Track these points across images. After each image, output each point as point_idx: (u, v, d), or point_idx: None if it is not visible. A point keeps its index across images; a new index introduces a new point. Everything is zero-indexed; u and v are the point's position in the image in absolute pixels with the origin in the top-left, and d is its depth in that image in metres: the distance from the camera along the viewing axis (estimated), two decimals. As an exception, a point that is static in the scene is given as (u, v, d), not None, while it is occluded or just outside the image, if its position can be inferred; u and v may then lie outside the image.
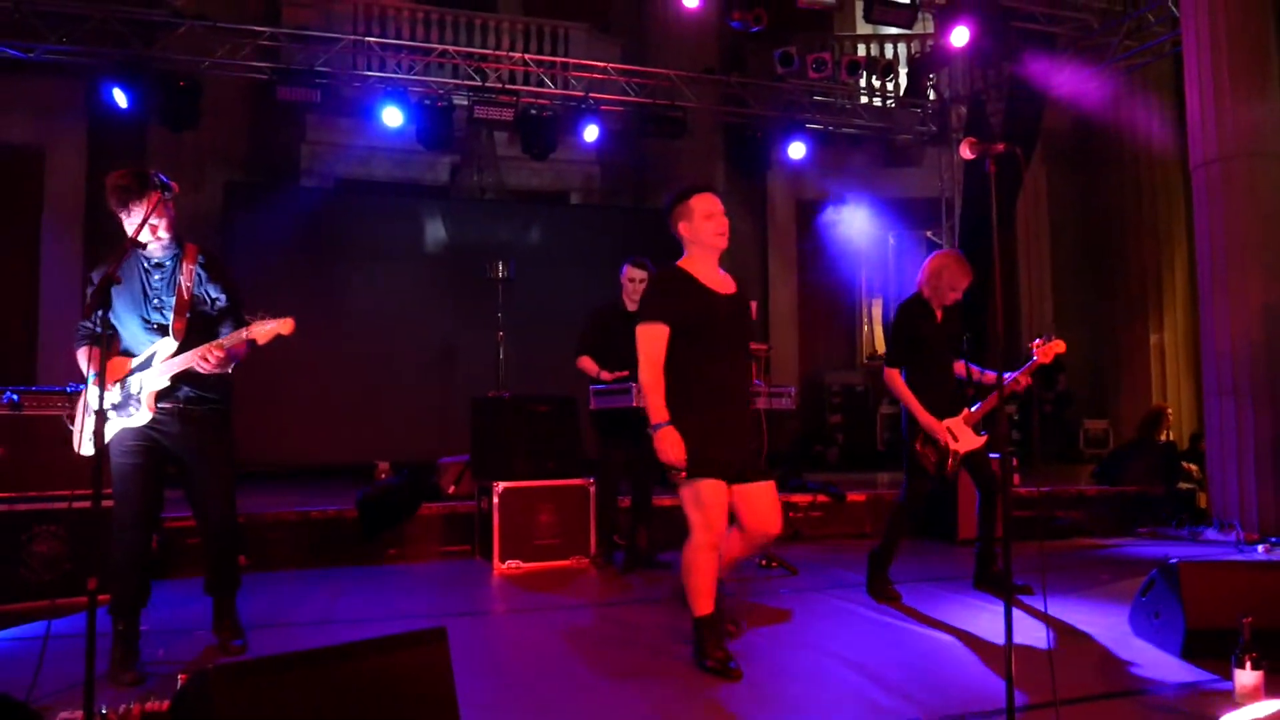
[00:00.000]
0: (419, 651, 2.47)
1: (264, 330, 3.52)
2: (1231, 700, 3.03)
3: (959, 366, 5.05)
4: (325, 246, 10.31)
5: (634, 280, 5.86)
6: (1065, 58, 10.27)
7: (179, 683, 2.56)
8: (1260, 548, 6.46)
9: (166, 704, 2.62)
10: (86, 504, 2.72)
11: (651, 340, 3.59)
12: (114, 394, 3.59)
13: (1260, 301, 7.06)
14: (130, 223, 3.49)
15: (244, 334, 3.53)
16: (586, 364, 5.83)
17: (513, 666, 3.79)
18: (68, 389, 4.74)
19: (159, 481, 3.70)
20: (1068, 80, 10.29)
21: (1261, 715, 2.65)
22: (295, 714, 2.25)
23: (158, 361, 3.58)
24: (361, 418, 9.79)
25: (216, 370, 3.56)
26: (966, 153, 2.86)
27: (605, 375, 5.71)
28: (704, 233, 3.67)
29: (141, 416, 3.58)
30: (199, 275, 3.69)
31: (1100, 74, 10.30)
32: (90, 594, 2.57)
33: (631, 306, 5.94)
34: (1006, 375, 4.73)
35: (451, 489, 6.96)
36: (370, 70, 10.43)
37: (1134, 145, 11.46)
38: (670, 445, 3.46)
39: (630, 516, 5.94)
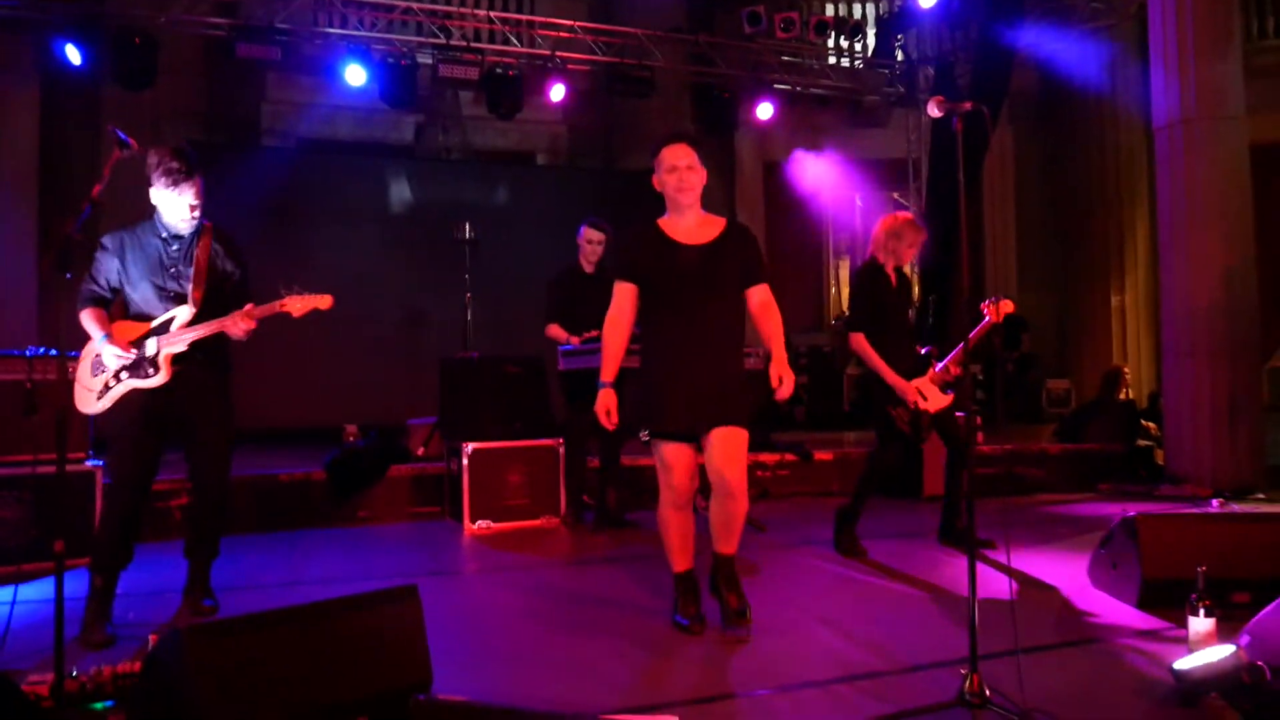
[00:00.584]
0: (391, 609, 2.48)
1: (300, 304, 3.77)
2: (1185, 646, 3.12)
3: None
4: (288, 207, 10.13)
5: (591, 242, 5.88)
6: (1033, 19, 10.28)
7: (150, 644, 2.56)
8: (1215, 502, 6.63)
9: (138, 665, 2.61)
10: (50, 469, 2.70)
11: (615, 298, 3.63)
12: (112, 355, 3.66)
13: (1220, 264, 7.18)
14: (169, 200, 3.65)
15: (279, 306, 3.74)
16: (555, 331, 5.84)
17: (485, 623, 3.82)
18: (27, 353, 4.68)
19: (160, 444, 3.78)
20: (1035, 41, 10.32)
21: (1213, 659, 2.73)
22: (268, 672, 2.26)
23: (175, 327, 3.69)
24: (328, 380, 9.70)
25: (242, 337, 3.73)
26: (934, 110, 2.85)
27: (575, 340, 5.71)
28: (666, 186, 3.59)
29: (159, 378, 3.68)
30: (217, 250, 3.85)
31: (1067, 35, 10.32)
32: (57, 556, 2.55)
33: (588, 268, 5.95)
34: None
35: (421, 450, 6.95)
36: (332, 27, 10.20)
37: (1100, 107, 11.54)
38: (601, 407, 3.54)
39: (599, 476, 5.97)
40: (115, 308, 3.78)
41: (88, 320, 3.70)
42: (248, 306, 3.71)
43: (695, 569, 3.69)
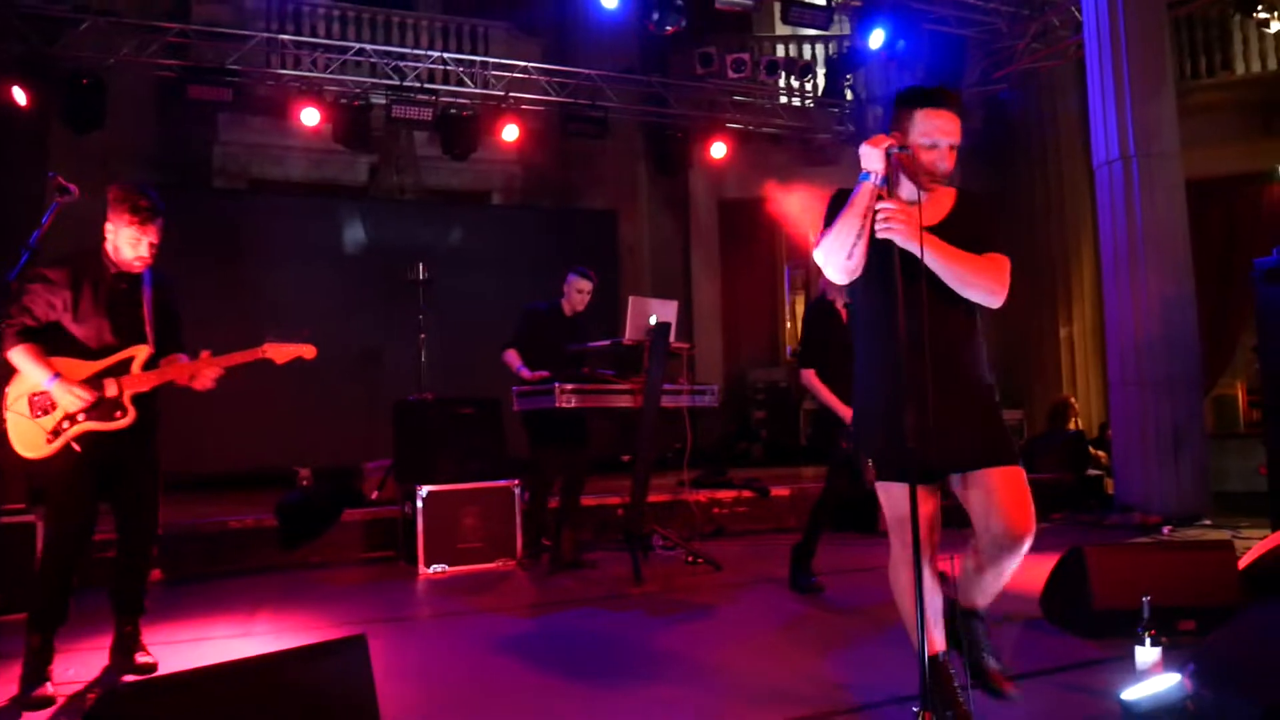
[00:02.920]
0: (338, 660, 2.43)
1: (282, 351, 3.74)
2: (1133, 675, 3.16)
3: None
4: (240, 249, 10.05)
5: (581, 291, 6.00)
6: (976, 59, 10.57)
7: (88, 703, 2.49)
8: (1164, 530, 6.75)
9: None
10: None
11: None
12: (72, 396, 3.46)
13: (1158, 295, 7.36)
14: (130, 237, 3.57)
15: (260, 352, 3.69)
16: (511, 357, 5.86)
17: (438, 671, 3.76)
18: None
19: (98, 491, 3.63)
20: (979, 81, 10.59)
21: (1159, 689, 2.77)
22: (211, 729, 2.20)
23: (136, 366, 3.59)
24: (282, 424, 9.57)
25: (210, 387, 3.68)
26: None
27: (525, 373, 5.73)
28: (918, 159, 2.72)
29: (126, 419, 3.57)
30: (164, 290, 3.78)
31: (1010, 76, 10.61)
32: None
33: (569, 311, 6.02)
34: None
35: (375, 494, 6.86)
36: (284, 69, 10.22)
37: (1042, 144, 11.84)
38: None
39: (555, 517, 5.95)
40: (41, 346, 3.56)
41: (23, 357, 3.45)
42: (204, 355, 3.66)
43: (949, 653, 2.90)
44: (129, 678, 3.60)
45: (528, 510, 6.04)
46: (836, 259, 2.71)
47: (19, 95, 8.80)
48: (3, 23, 8.81)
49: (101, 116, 9.24)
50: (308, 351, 3.80)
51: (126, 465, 3.67)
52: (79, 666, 3.75)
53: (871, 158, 2.65)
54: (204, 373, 3.65)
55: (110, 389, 3.54)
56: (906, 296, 2.52)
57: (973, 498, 2.78)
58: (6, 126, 9.54)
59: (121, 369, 3.59)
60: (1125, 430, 7.52)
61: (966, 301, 2.74)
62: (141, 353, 3.62)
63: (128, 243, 3.58)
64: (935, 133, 2.69)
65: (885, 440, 2.76)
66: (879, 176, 2.65)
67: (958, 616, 2.97)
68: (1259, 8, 9.15)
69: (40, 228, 3.28)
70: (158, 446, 3.80)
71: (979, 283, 2.70)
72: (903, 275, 2.55)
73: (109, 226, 3.59)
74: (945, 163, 2.72)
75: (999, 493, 2.74)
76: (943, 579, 2.94)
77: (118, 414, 3.55)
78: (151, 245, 3.63)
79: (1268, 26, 9.40)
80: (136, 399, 3.60)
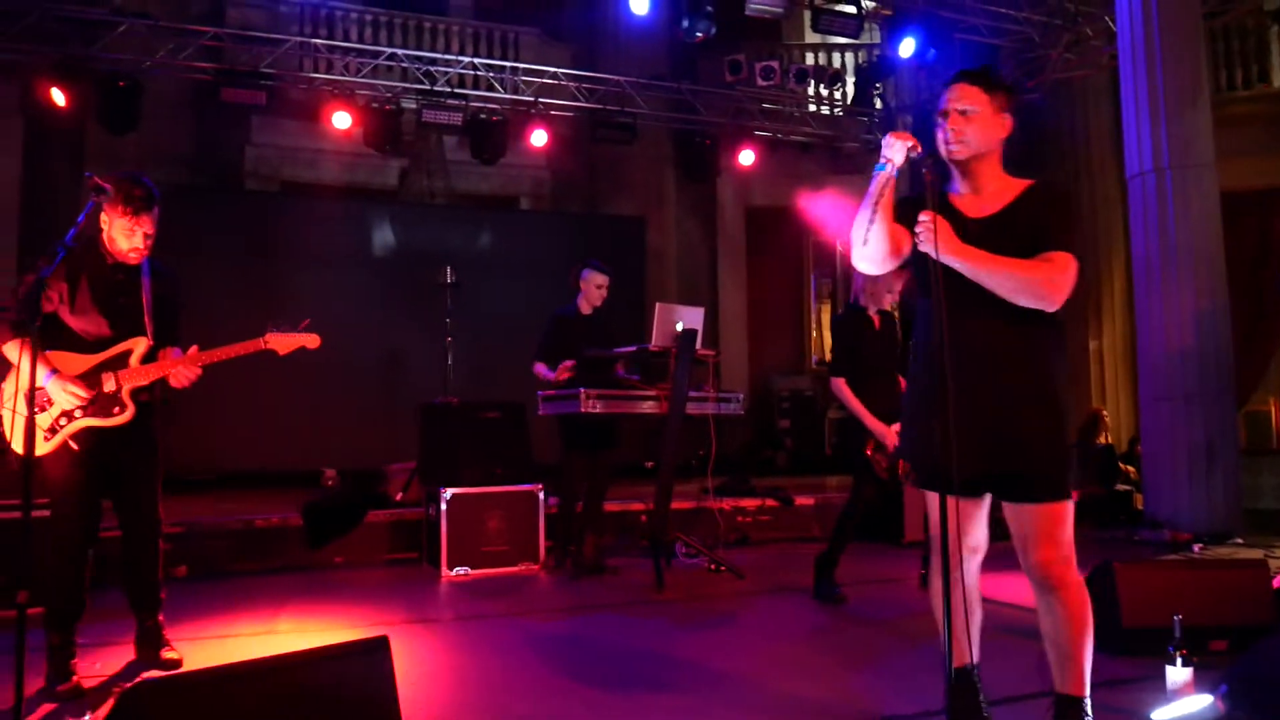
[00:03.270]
0: (360, 661, 2.44)
1: (285, 341, 3.63)
2: (1164, 695, 3.11)
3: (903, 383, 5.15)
4: (270, 250, 10.15)
5: (599, 286, 5.96)
6: (1008, 69, 10.47)
7: (113, 697, 2.50)
8: (1195, 547, 6.64)
9: None
10: (15, 514, 2.65)
11: None
12: (67, 394, 3.42)
13: (1192, 308, 7.26)
14: (124, 228, 3.52)
15: (261, 343, 3.61)
16: (541, 370, 5.88)
17: (459, 674, 3.76)
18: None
19: (102, 489, 3.61)
20: (1011, 91, 10.49)
21: (1191, 710, 2.72)
22: (233, 727, 2.21)
23: (134, 360, 3.55)
24: (308, 424, 9.65)
25: (185, 385, 3.59)
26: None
27: (551, 375, 5.76)
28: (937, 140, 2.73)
29: (125, 416, 3.53)
30: (163, 283, 3.74)
31: (1042, 85, 10.52)
32: (19, 607, 2.50)
33: (587, 309, 6.01)
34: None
35: (399, 495, 6.89)
36: (317, 73, 10.30)
37: (1074, 154, 11.72)
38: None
39: (579, 521, 5.95)
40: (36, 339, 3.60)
41: (12, 352, 3.41)
42: (193, 350, 3.60)
43: (975, 666, 2.80)
44: (153, 673, 3.62)
45: (559, 513, 6.05)
46: (856, 249, 2.70)
47: (58, 96, 8.93)
48: (41, 26, 8.95)
49: (137, 118, 9.37)
50: (311, 341, 3.68)
51: (126, 461, 3.64)
52: (105, 660, 3.79)
53: (892, 148, 2.63)
54: (180, 370, 3.56)
55: (108, 383, 3.51)
56: (948, 305, 2.45)
57: (1008, 518, 2.67)
58: (45, 127, 9.70)
59: (119, 362, 3.55)
60: (1156, 445, 7.42)
61: (1014, 311, 2.54)
62: (140, 345, 3.58)
63: (122, 233, 3.54)
64: (945, 102, 2.69)
65: (914, 447, 2.72)
66: (894, 168, 2.63)
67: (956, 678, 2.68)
68: (1298, 19, 9.02)
69: (76, 226, 3.30)
70: (158, 440, 3.75)
71: (1025, 288, 2.53)
72: (944, 284, 2.47)
73: (104, 218, 3.57)
74: (957, 131, 2.66)
75: (1018, 524, 2.63)
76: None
77: (116, 410, 3.51)
78: (146, 236, 3.58)
79: (1306, 38, 9.27)
80: (135, 393, 3.57)
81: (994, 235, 2.60)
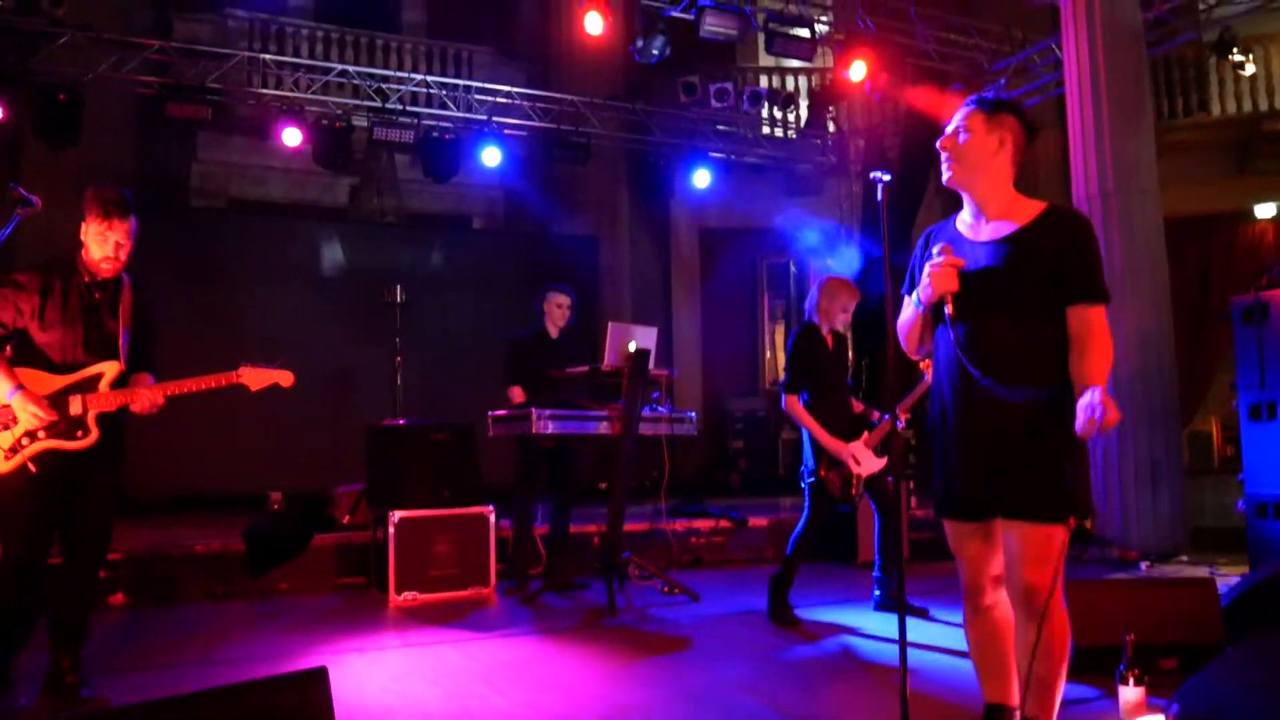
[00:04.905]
0: (297, 694, 2.34)
1: (257, 377, 3.59)
2: (1116, 716, 3.10)
3: (855, 405, 5.17)
4: (216, 269, 9.92)
5: (561, 306, 6.02)
6: (958, 94, 10.64)
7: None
8: (1143, 565, 6.72)
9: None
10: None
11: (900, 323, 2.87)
12: (28, 413, 3.31)
13: (1136, 331, 7.38)
14: (96, 233, 3.46)
15: (234, 376, 3.56)
16: (516, 394, 5.86)
17: (404, 705, 3.65)
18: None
19: (55, 520, 3.48)
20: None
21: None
22: (161, 764, 2.10)
23: (104, 385, 3.45)
24: (254, 446, 9.41)
25: (148, 412, 3.51)
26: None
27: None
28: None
29: (88, 439, 3.42)
30: (140, 304, 3.65)
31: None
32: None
33: (554, 332, 6.00)
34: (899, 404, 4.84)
35: (346, 519, 6.74)
36: (266, 88, 10.14)
37: (1022, 178, 11.89)
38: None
39: (546, 541, 5.94)
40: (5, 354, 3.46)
41: None
42: (157, 385, 3.55)
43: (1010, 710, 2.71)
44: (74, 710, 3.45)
45: (516, 534, 5.99)
46: (906, 346, 2.88)
47: (-8, 109, 8.68)
48: (-22, 36, 8.71)
49: (78, 132, 9.11)
50: (285, 379, 3.66)
51: (84, 487, 3.52)
52: (32, 694, 3.61)
53: (929, 291, 2.63)
54: (142, 397, 3.48)
55: (74, 406, 3.41)
56: (979, 325, 2.55)
57: (1003, 539, 2.60)
58: (-21, 140, 9.43)
59: (89, 386, 3.46)
60: (1104, 464, 7.51)
61: (1038, 330, 2.52)
62: (111, 370, 3.50)
63: (95, 240, 3.47)
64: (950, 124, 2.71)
65: (930, 473, 2.73)
66: (925, 307, 2.70)
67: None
68: (1235, 50, 9.27)
69: (123, 245, 3.25)
70: (120, 468, 3.66)
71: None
72: (978, 311, 2.57)
73: (83, 228, 3.50)
74: (950, 154, 2.71)
75: (1008, 542, 2.56)
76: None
77: (79, 433, 3.41)
78: (119, 245, 3.49)
79: (1243, 69, 9.53)
80: (101, 418, 3.47)
81: (1005, 258, 2.58)
